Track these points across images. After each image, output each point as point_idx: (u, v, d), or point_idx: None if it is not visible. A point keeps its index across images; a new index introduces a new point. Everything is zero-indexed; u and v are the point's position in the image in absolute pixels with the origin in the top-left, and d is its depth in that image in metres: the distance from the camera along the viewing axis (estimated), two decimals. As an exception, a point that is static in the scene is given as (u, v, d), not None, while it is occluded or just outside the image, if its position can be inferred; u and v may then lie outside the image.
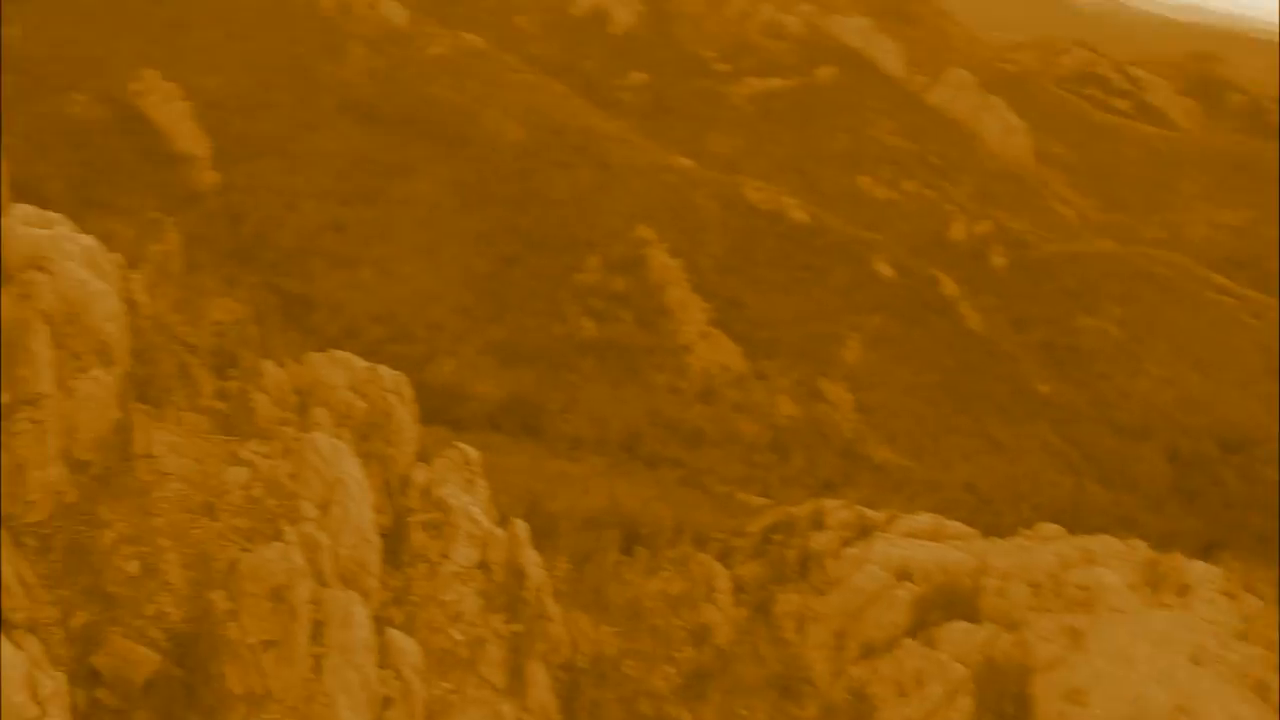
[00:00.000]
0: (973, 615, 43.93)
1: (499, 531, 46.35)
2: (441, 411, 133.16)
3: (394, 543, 43.60)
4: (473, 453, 46.69)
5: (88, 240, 41.52)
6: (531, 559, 45.94)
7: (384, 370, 47.21)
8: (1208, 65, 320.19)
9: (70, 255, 39.91)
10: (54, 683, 28.42)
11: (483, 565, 45.53)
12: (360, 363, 47.10)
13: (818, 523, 55.10)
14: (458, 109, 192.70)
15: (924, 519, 53.48)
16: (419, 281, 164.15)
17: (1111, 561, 45.01)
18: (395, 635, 39.16)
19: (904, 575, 47.96)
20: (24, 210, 42.29)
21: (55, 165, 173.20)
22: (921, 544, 50.14)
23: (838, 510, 55.47)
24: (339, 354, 47.32)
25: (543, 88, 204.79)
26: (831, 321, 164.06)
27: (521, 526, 45.56)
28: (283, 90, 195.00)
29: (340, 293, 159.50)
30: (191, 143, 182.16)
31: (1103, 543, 46.94)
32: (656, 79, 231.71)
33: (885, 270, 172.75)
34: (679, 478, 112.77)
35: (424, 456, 46.49)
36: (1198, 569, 44.31)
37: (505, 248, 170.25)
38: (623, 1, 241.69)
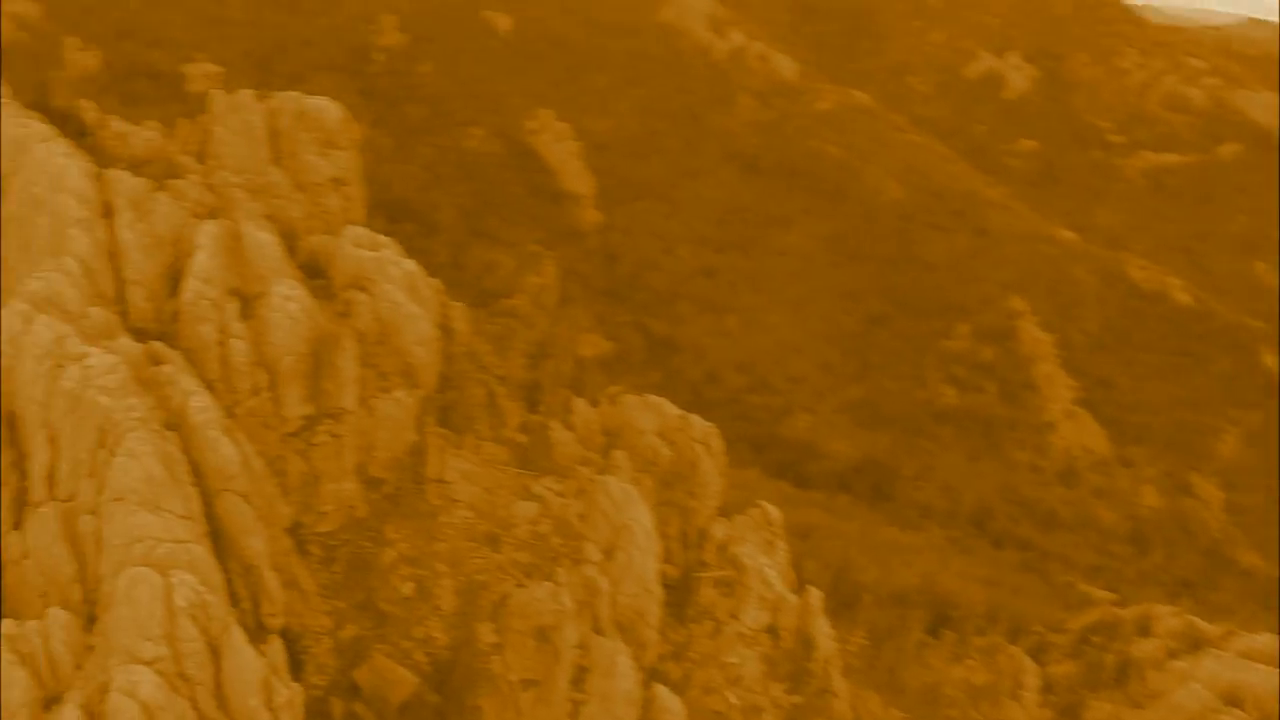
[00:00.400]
0: (1308, 756, 39.64)
1: (792, 597, 44.97)
2: (793, 466, 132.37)
3: (680, 596, 42.91)
4: (774, 513, 45.48)
5: (410, 265, 42.71)
6: (823, 629, 44.33)
7: (695, 420, 46.66)
8: None
9: (391, 278, 41.11)
10: (290, 692, 28.95)
11: (771, 630, 44.26)
12: (672, 410, 46.68)
13: (1144, 629, 51.17)
14: (839, 165, 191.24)
15: (1264, 639, 48.82)
16: (784, 334, 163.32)
17: None
18: (661, 692, 38.32)
19: (1232, 700, 43.81)
20: (355, 232, 43.85)
21: (449, 194, 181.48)
22: (1258, 668, 45.71)
23: (1167, 618, 51.33)
24: (652, 399, 47.05)
25: (927, 149, 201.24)
26: (1208, 412, 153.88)
27: (816, 595, 44.03)
28: (669, 136, 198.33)
29: (705, 338, 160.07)
30: (578, 182, 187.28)
31: None
32: (1046, 147, 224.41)
33: (1272, 363, 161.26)
34: (1022, 560, 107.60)
35: (725, 512, 45.64)
36: None
37: (874, 307, 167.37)
38: (1018, 67, 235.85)
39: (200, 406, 30.56)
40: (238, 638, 26.07)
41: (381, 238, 42.57)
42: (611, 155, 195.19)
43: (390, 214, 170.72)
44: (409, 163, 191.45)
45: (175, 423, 30.35)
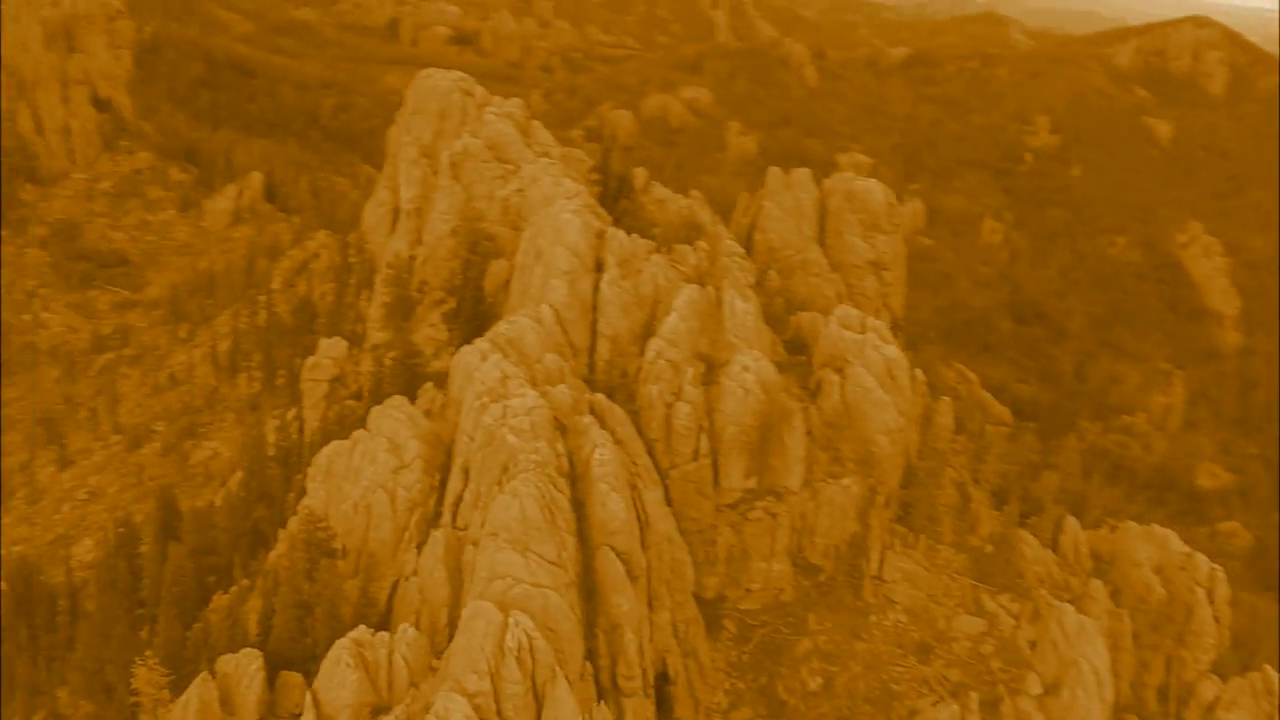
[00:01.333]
0: None
1: (1284, 779, 39.33)
2: None
3: (1141, 751, 38.61)
4: (1276, 680, 40.11)
5: (891, 351, 41.36)
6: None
7: (1200, 559, 42.09)
8: None
9: (868, 362, 39.96)
10: (599, 747, 28.45)
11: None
12: (1178, 545, 42.40)
13: None
14: None
15: None
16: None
17: None
18: None
19: None
20: (845, 312, 43.10)
21: (1082, 301, 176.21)
22: None
23: None
24: (1158, 530, 42.94)
25: None
26: None
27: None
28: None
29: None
30: (1222, 300, 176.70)
31: None
32: None
33: None
34: None
35: (1220, 670, 40.72)
36: None
37: None
38: None
39: (602, 460, 30.87)
40: (561, 690, 25.91)
41: (873, 321, 41.53)
42: (1261, 275, 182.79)
43: (1019, 315, 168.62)
44: (1045, 266, 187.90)
45: (580, 473, 30.87)
